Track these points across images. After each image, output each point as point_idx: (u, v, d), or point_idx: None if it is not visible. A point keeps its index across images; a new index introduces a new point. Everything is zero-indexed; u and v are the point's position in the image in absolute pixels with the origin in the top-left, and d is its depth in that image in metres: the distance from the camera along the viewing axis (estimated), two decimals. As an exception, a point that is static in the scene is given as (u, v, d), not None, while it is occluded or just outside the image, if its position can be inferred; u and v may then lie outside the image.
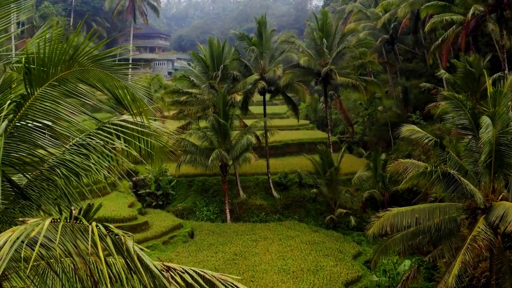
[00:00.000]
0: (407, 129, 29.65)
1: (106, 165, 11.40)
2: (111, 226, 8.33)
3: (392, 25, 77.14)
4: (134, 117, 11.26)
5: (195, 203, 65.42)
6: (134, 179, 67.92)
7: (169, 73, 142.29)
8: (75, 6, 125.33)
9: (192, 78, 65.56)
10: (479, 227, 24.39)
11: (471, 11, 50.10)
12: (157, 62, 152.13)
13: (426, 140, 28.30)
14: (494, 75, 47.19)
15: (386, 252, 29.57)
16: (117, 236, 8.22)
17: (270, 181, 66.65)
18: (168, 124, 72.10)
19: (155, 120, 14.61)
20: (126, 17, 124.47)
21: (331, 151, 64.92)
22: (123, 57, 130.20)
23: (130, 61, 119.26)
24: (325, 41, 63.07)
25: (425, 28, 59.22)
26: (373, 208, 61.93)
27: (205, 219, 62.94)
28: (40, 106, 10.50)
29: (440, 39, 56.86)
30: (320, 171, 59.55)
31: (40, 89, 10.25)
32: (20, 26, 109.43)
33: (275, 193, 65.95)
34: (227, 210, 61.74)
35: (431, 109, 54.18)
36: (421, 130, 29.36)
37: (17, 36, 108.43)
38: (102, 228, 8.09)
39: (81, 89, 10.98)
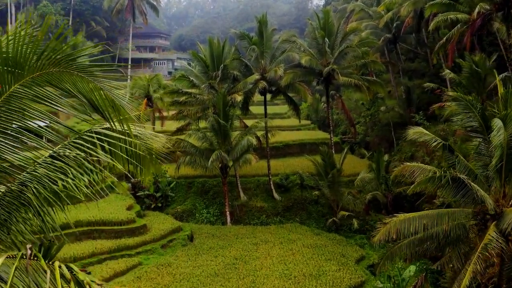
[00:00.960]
0: (414, 132, 28.55)
1: (87, 180, 10.09)
2: (75, 268, 7.07)
3: (394, 24, 75.98)
4: (114, 125, 9.94)
5: (194, 205, 64.31)
6: (132, 180, 66.77)
7: (169, 73, 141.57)
8: (74, 5, 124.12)
9: (191, 78, 64.46)
10: (490, 235, 23.31)
11: (476, 10, 49.20)
12: (157, 62, 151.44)
13: (435, 143, 27.15)
14: (501, 75, 46.09)
15: (392, 259, 28.37)
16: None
17: (271, 182, 65.59)
18: (168, 124, 71.78)
19: (144, 127, 13.31)
20: (125, 16, 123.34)
21: (333, 152, 63.85)
22: (123, 57, 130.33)
23: (130, 61, 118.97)
24: (327, 40, 61.93)
25: (429, 27, 58.16)
26: (376, 210, 61.10)
27: (205, 222, 61.76)
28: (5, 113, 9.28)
29: (444, 38, 55.79)
30: (322, 172, 58.45)
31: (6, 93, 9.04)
32: (19, 26, 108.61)
33: (276, 195, 64.87)
34: (227, 213, 60.64)
35: (436, 110, 52.99)
36: (428, 133, 28.26)
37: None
38: (65, 270, 6.84)
39: (50, 93, 9.66)
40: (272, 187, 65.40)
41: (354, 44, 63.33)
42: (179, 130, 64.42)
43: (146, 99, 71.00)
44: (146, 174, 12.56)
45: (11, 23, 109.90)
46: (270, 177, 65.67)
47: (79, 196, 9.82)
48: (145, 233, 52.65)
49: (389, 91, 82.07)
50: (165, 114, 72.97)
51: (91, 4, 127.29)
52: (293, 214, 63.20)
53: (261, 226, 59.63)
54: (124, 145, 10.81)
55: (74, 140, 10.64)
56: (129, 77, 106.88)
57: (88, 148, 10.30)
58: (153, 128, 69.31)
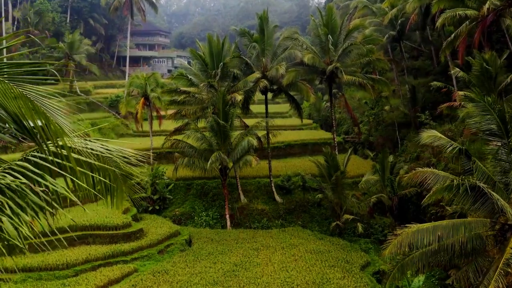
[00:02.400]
0: (428, 135, 26.65)
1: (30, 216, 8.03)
2: None
3: (399, 21, 73.93)
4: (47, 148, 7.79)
5: (193, 208, 62.44)
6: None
7: (169, 71, 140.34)
8: (71, 3, 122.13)
9: (190, 77, 62.66)
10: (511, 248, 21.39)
11: (486, 5, 47.38)
12: (157, 60, 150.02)
13: (450, 148, 25.17)
14: (512, 74, 44.37)
15: (403, 272, 26.43)
16: None
17: (272, 184, 63.80)
18: (166, 124, 69.92)
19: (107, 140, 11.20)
20: (123, 13, 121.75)
21: (336, 152, 61.90)
22: (122, 55, 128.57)
23: (128, 59, 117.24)
24: (330, 37, 59.96)
25: (436, 23, 56.11)
26: (380, 213, 59.39)
27: (204, 225, 59.91)
28: None
29: (452, 35, 53.92)
30: (325, 174, 56.49)
31: None
32: (16, 22, 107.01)
33: (277, 197, 63.05)
34: (227, 216, 58.89)
35: (444, 110, 51.00)
36: (443, 136, 26.35)
37: (13, 34, 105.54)
38: None
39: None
40: (274, 189, 63.61)
41: (358, 42, 61.40)
42: (177, 130, 62.61)
43: (143, 98, 68.96)
44: (119, 198, 10.55)
45: (7, 20, 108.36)
46: (271, 179, 63.89)
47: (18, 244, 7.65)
48: (141, 237, 50.95)
49: (393, 90, 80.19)
50: (163, 113, 71.00)
51: (89, 1, 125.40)
52: (295, 217, 61.40)
53: (262, 230, 57.88)
54: (88, 171, 8.68)
55: (18, 163, 8.41)
56: (127, 75, 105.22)
57: (34, 173, 8.06)
58: (151, 128, 68.04)
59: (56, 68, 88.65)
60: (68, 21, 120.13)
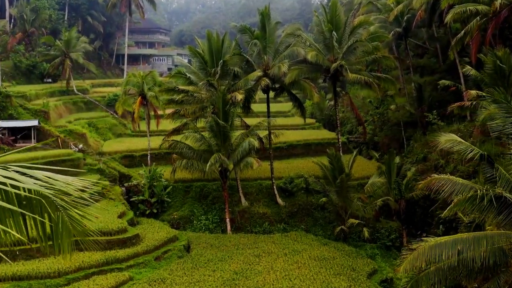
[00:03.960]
0: (446, 140, 24.41)
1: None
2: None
3: (405, 18, 72.08)
4: None
5: (192, 211, 60.39)
6: (126, 184, 63.16)
7: (169, 69, 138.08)
8: (69, 0, 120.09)
9: (189, 75, 60.63)
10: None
11: (498, 1, 45.41)
12: (157, 58, 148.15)
13: (471, 154, 22.96)
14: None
15: (418, 288, 24.13)
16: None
17: (274, 186, 61.94)
18: (164, 124, 67.86)
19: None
20: (121, 10, 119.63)
21: (341, 153, 59.79)
22: (121, 53, 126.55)
23: (126, 57, 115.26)
24: (335, 34, 57.80)
25: (445, 19, 54.16)
26: (387, 216, 57.77)
27: (203, 229, 57.81)
28: None
29: (462, 32, 51.92)
30: (329, 177, 54.46)
31: None
32: (12, 20, 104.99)
33: (279, 200, 61.13)
34: (228, 220, 56.89)
35: (455, 109, 48.79)
36: (463, 141, 24.08)
37: (10, 31, 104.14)
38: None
39: None
40: (276, 192, 61.70)
41: (363, 39, 59.26)
42: (175, 131, 60.77)
43: (140, 97, 66.86)
44: (64, 244, 8.34)
45: (4, 18, 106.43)
46: (273, 181, 62.11)
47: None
48: (137, 243, 48.82)
49: (399, 88, 78.20)
50: (161, 113, 69.01)
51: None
52: (298, 220, 59.43)
53: (264, 235, 55.90)
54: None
55: None
56: (125, 73, 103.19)
57: None
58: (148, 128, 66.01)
59: (53, 66, 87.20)
60: (66, 18, 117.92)
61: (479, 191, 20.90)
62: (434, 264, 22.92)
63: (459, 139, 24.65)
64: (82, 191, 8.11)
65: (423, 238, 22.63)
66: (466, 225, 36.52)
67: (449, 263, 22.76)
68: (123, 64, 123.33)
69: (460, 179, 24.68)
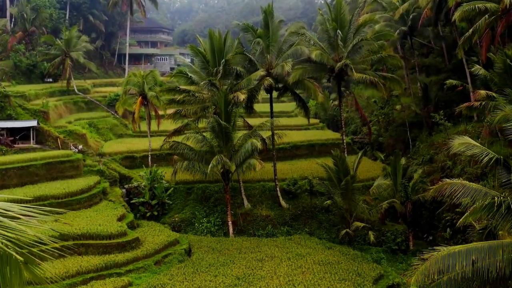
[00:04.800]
0: (460, 143, 23.20)
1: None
2: None
3: (410, 16, 71.11)
4: None
5: (194, 214, 59.18)
6: (126, 186, 62.02)
7: (172, 69, 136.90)
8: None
9: (190, 75, 59.42)
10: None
11: (508, -2, 44.25)
12: (159, 58, 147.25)
13: (486, 158, 21.71)
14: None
15: (428, 300, 22.91)
16: None
17: (278, 188, 60.74)
18: (166, 124, 66.70)
19: None
20: (122, 9, 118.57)
21: (346, 154, 58.59)
22: (122, 52, 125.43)
23: (127, 56, 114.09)
24: (339, 32, 56.63)
25: (453, 17, 52.85)
26: (392, 218, 56.86)
27: (205, 232, 56.62)
28: None
29: (470, 31, 50.78)
30: (334, 179, 53.22)
31: None
32: (13, 19, 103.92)
33: (283, 202, 59.97)
34: (230, 223, 55.67)
35: (463, 110, 47.51)
36: (478, 144, 22.83)
37: (10, 30, 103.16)
38: None
39: None
40: (279, 194, 60.55)
41: (369, 37, 58.01)
42: (177, 132, 59.60)
43: (140, 97, 65.70)
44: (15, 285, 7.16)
45: (5, 17, 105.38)
46: (277, 183, 60.87)
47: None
48: (137, 247, 47.59)
49: (404, 88, 77.10)
50: (161, 113, 67.86)
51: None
52: (302, 223, 58.30)
53: (267, 238, 54.60)
54: None
55: None
56: (126, 73, 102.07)
57: None
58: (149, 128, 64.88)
59: (53, 66, 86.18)
60: (67, 17, 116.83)
61: (496, 199, 19.69)
62: (447, 274, 21.73)
63: (473, 142, 23.44)
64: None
65: (435, 247, 21.44)
66: (477, 231, 35.09)
67: (463, 273, 21.57)
68: (125, 64, 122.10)
69: (474, 184, 23.50)
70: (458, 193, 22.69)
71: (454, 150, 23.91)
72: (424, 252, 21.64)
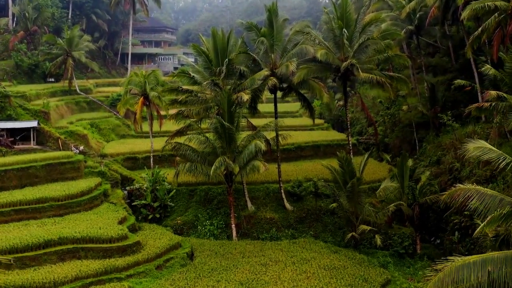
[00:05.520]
0: (475, 147, 22.06)
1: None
2: None
3: (417, 15, 70.05)
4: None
5: (196, 216, 58.10)
6: (128, 188, 61.08)
7: (175, 68, 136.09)
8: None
9: (193, 74, 58.36)
10: None
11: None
12: (162, 57, 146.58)
13: (503, 163, 20.59)
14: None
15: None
16: None
17: (282, 190, 59.65)
18: (168, 125, 65.80)
19: None
20: (124, 8, 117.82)
21: (351, 156, 57.46)
22: (126, 52, 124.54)
23: (130, 56, 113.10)
24: (345, 31, 55.48)
25: (461, 16, 51.81)
26: (399, 221, 55.65)
27: (208, 235, 55.50)
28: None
29: (480, 29, 49.48)
30: (340, 181, 52.07)
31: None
32: (15, 18, 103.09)
33: (287, 205, 58.90)
34: (233, 225, 54.60)
35: (473, 111, 46.31)
36: (494, 149, 21.69)
37: (12, 29, 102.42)
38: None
39: None
40: (283, 196, 59.48)
41: (375, 36, 56.86)
42: (179, 133, 58.57)
43: (142, 97, 64.66)
44: None
45: (7, 16, 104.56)
46: (281, 185, 59.83)
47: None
48: (138, 251, 46.56)
49: (411, 88, 76.05)
50: (164, 113, 66.90)
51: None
52: (307, 226, 57.14)
53: (271, 242, 53.46)
54: None
55: None
56: (129, 72, 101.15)
57: None
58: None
59: (54, 65, 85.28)
60: (69, 17, 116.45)
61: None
62: (461, 285, 20.64)
63: (489, 145, 22.29)
64: None
65: (448, 258, 20.31)
66: (490, 239, 33.92)
67: (478, 284, 20.46)
68: (128, 63, 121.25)
69: (488, 189, 22.38)
70: (472, 199, 21.62)
71: (470, 155, 22.78)
72: (437, 262, 20.53)
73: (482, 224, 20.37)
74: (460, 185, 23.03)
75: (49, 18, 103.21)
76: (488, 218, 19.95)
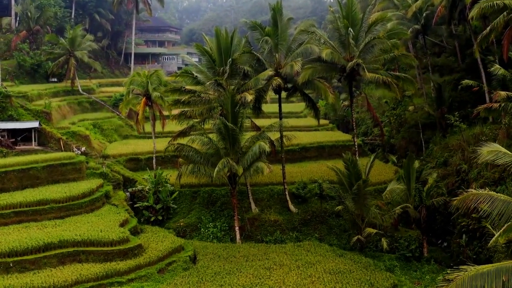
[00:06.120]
0: (489, 151, 21.20)
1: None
2: None
3: (424, 14, 69.17)
4: None
5: (200, 218, 57.36)
6: (130, 190, 60.25)
7: (179, 68, 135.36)
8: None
9: (196, 74, 57.58)
10: None
11: (529, -6, 42.12)
12: (166, 57, 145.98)
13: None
14: None
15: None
16: None
17: (287, 192, 58.90)
18: (171, 125, 64.95)
19: None
20: (127, 7, 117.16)
21: (357, 157, 56.58)
22: (129, 51, 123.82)
23: (132, 55, 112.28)
24: (351, 30, 54.60)
25: (469, 15, 50.81)
26: (405, 223, 55.02)
27: (211, 238, 54.72)
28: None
29: (488, 29, 48.46)
30: (345, 183, 51.15)
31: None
32: (18, 18, 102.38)
33: (292, 207, 58.13)
34: (237, 228, 53.68)
35: (481, 112, 45.34)
36: (509, 153, 20.73)
37: (15, 29, 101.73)
38: None
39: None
40: (288, 198, 58.72)
41: (381, 36, 55.95)
42: (182, 134, 57.76)
43: (144, 97, 63.82)
44: None
45: (10, 15, 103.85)
46: (285, 186, 59.04)
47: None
48: (139, 254, 45.76)
49: (418, 88, 75.19)
50: (166, 114, 66.08)
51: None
52: (312, 228, 56.30)
53: (275, 245, 52.40)
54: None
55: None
56: (132, 72, 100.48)
57: None
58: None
59: (57, 65, 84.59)
60: (73, 16, 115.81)
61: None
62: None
63: (503, 149, 21.39)
64: None
65: (461, 267, 19.38)
66: (502, 245, 32.99)
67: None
68: (131, 63, 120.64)
69: (501, 195, 21.46)
70: (485, 205, 20.73)
71: (483, 159, 21.88)
72: (449, 271, 19.63)
73: (497, 234, 19.48)
74: (472, 190, 22.22)
75: (51, 18, 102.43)
76: (504, 227, 19.05)
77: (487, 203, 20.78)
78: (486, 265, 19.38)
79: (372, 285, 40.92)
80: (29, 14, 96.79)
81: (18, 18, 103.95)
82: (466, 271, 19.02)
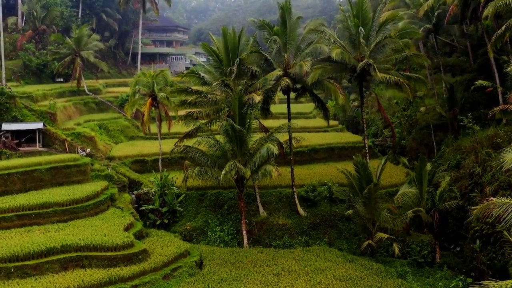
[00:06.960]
0: (513, 158, 19.81)
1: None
2: None
3: (435, 13, 67.83)
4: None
5: (206, 222, 56.25)
6: (136, 192, 59.22)
7: (187, 68, 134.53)
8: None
9: (202, 75, 56.52)
10: None
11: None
12: (174, 57, 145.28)
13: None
14: None
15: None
16: None
17: (295, 195, 57.61)
18: (177, 127, 63.80)
19: None
20: (134, 6, 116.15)
21: (367, 159, 55.27)
22: (136, 51, 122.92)
23: (139, 55, 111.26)
24: (362, 29, 53.25)
25: (483, 14, 49.41)
26: (417, 228, 53.69)
27: (218, 242, 53.59)
28: None
29: (503, 27, 47.12)
30: (355, 186, 49.94)
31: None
32: (24, 17, 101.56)
33: (301, 210, 56.95)
34: (244, 232, 52.54)
35: (497, 113, 44.05)
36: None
37: (21, 28, 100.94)
38: None
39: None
40: (297, 201, 57.47)
41: (392, 35, 54.66)
42: (188, 135, 56.71)
43: (150, 98, 62.75)
44: None
45: (16, 15, 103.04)
46: (294, 189, 57.83)
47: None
48: (144, 260, 44.79)
49: (430, 89, 73.91)
50: (172, 114, 65.00)
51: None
52: (321, 233, 55.05)
53: (284, 249, 51.26)
54: None
55: None
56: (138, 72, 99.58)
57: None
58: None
59: (63, 65, 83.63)
60: (79, 16, 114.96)
61: None
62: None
63: (528, 156, 20.10)
64: None
65: (482, 283, 18.08)
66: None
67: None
68: (138, 63, 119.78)
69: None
70: (507, 214, 19.46)
71: (508, 166, 20.59)
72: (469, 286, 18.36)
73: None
74: (493, 198, 20.87)
75: (58, 17, 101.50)
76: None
77: (509, 212, 19.54)
78: (508, 281, 18.10)
79: (383, 293, 39.80)
80: (35, 13, 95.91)
81: (24, 18, 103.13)
82: (488, 286, 17.76)
